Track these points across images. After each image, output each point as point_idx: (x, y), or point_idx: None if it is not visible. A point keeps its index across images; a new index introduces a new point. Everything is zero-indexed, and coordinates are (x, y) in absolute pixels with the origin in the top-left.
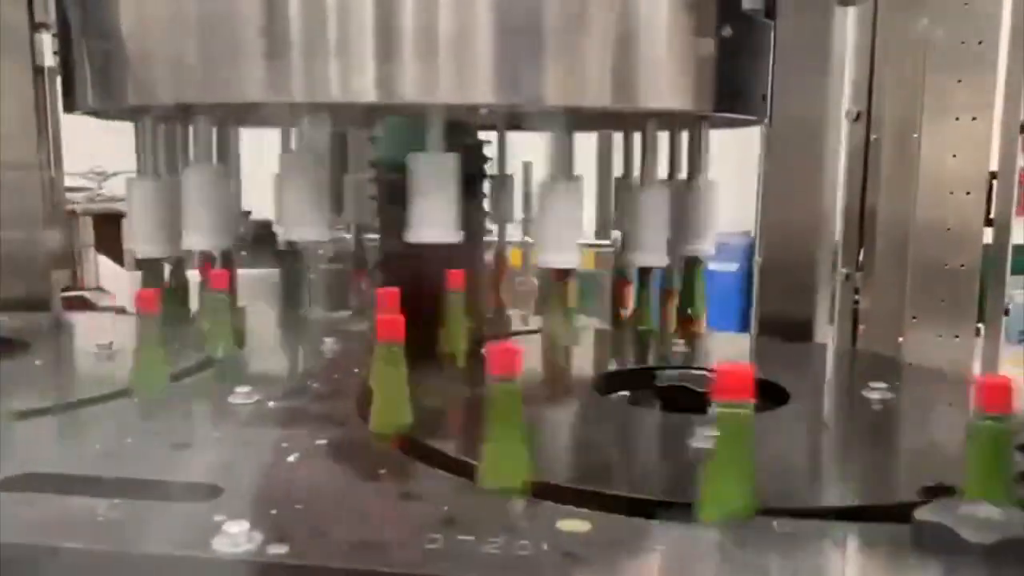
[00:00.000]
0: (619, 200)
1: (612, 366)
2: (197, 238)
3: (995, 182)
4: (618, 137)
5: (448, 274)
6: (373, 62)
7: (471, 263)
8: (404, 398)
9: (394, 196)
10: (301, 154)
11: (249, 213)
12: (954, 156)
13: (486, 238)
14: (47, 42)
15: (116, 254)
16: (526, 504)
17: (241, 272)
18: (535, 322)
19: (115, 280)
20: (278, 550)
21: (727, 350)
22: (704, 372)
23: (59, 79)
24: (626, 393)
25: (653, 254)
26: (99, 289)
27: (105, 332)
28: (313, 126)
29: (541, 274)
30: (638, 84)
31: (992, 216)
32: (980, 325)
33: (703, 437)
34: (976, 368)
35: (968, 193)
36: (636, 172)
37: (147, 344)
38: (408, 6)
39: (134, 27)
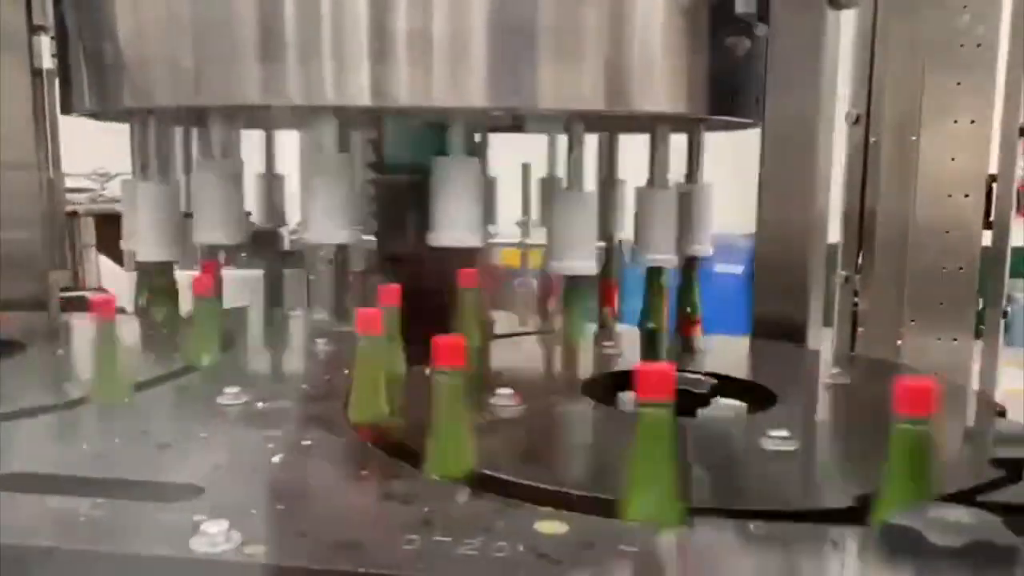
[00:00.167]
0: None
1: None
2: (208, 232)
3: (994, 184)
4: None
5: (462, 273)
6: (368, 66)
7: (472, 263)
8: (381, 389)
9: (398, 198)
10: (328, 157)
11: (249, 214)
12: (953, 159)
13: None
14: (45, 44)
15: (118, 255)
16: (470, 493)
17: (241, 272)
18: (534, 322)
19: (115, 280)
20: (255, 550)
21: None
22: (699, 375)
23: (57, 81)
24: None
25: (663, 255)
26: (100, 289)
27: None
28: (333, 129)
29: (543, 277)
30: (632, 88)
31: (991, 218)
32: (980, 327)
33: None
34: (975, 370)
35: (967, 195)
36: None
37: (106, 352)
38: (403, 11)
39: (131, 30)
